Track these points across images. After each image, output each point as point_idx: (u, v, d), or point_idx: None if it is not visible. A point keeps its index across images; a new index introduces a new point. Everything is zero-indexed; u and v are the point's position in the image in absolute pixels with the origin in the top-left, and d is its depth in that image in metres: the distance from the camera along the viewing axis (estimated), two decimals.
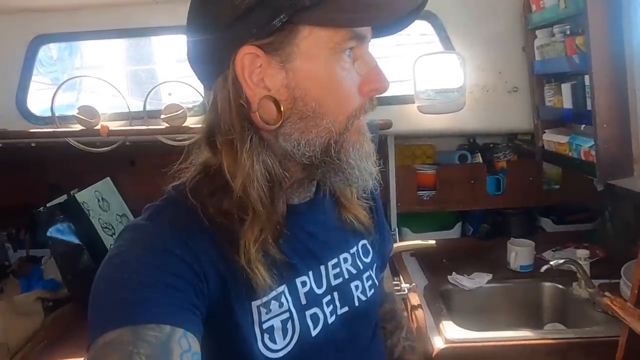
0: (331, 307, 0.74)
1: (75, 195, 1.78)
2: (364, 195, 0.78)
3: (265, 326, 0.66)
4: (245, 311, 0.65)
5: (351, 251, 0.80)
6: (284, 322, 0.68)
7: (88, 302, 0.59)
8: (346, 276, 0.77)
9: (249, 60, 0.61)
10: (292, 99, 0.62)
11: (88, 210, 1.77)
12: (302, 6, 0.57)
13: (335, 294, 0.75)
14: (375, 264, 0.85)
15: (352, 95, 0.63)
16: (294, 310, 0.69)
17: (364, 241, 0.83)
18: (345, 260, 0.78)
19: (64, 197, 1.78)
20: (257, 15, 0.58)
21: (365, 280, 0.80)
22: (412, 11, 0.62)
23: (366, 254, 0.82)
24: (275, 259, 0.66)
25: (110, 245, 1.77)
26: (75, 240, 1.68)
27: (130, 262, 0.59)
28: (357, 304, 0.78)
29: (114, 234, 1.84)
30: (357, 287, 0.78)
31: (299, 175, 0.69)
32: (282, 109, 0.62)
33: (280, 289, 0.68)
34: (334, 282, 0.75)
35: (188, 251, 0.61)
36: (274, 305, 0.67)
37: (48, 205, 1.74)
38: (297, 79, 0.61)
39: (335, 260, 0.76)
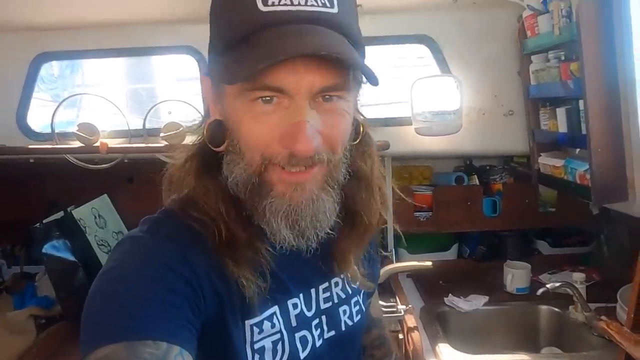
0: (319, 330, 0.74)
1: (72, 211, 1.78)
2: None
3: (256, 346, 0.66)
4: (239, 330, 0.65)
5: (342, 276, 0.79)
6: (274, 343, 0.68)
7: (81, 320, 0.57)
8: (335, 300, 0.77)
9: (206, 86, 0.68)
10: (228, 130, 0.65)
11: (84, 227, 1.77)
12: (215, 52, 0.63)
13: (324, 318, 0.75)
14: (363, 290, 0.84)
15: (264, 142, 0.60)
16: (284, 332, 0.69)
17: (355, 267, 0.83)
18: (336, 284, 0.78)
19: (60, 214, 1.78)
20: (209, 49, 0.66)
21: (353, 305, 0.80)
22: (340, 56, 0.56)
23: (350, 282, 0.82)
24: (268, 279, 0.65)
25: None
26: (71, 257, 1.68)
27: (127, 276, 0.58)
28: (343, 328, 0.78)
29: (110, 251, 1.83)
30: (344, 311, 0.78)
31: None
32: (225, 134, 0.65)
33: (273, 309, 0.68)
34: (323, 306, 0.75)
35: (186, 266, 0.60)
36: (266, 325, 0.67)
37: (44, 221, 1.74)
38: (226, 114, 0.65)
39: (326, 284, 0.76)
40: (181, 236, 0.63)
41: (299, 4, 0.57)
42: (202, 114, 1.94)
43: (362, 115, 0.74)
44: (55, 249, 1.67)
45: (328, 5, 0.59)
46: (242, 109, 0.60)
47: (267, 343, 0.67)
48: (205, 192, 0.65)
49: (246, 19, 0.58)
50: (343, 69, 0.59)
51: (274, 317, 0.68)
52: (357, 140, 0.71)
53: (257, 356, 0.66)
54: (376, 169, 0.75)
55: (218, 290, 0.63)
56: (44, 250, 1.64)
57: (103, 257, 1.78)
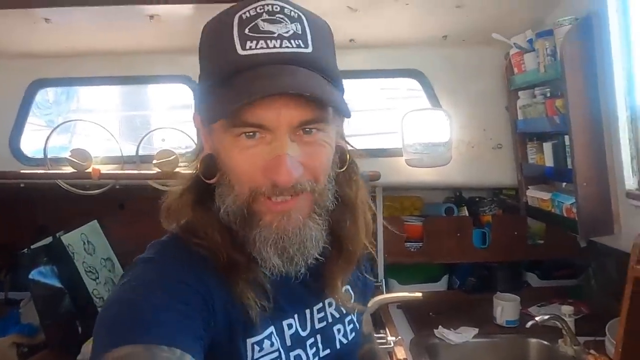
0: (314, 349, 0.76)
1: (61, 237, 1.76)
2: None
3: None
4: (242, 348, 0.67)
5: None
6: None
7: (96, 325, 0.59)
8: (329, 320, 0.80)
9: (197, 122, 0.72)
10: (219, 163, 0.69)
11: (73, 253, 1.76)
12: (203, 91, 0.68)
13: (319, 337, 0.78)
14: (357, 308, 0.86)
15: (250, 174, 0.64)
16: (282, 351, 0.71)
17: (347, 286, 0.84)
18: (330, 304, 0.81)
19: (49, 239, 1.77)
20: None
21: (347, 324, 0.82)
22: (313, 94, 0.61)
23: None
24: (271, 300, 0.68)
25: (93, 289, 1.75)
26: (58, 284, 1.66)
27: (145, 286, 0.61)
28: (338, 347, 0.80)
29: (97, 278, 1.81)
30: (339, 330, 0.81)
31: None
32: (216, 168, 0.69)
33: (270, 329, 0.71)
34: (318, 326, 0.78)
35: (200, 283, 0.63)
36: (266, 343, 0.69)
37: (32, 246, 1.72)
38: (215, 150, 0.69)
39: (320, 305, 0.79)
40: (191, 258, 0.67)
41: (274, 47, 0.62)
42: (196, 142, 1.96)
43: (349, 144, 0.79)
44: (42, 275, 1.65)
45: (302, 45, 0.64)
46: (229, 143, 0.65)
47: None
48: (203, 223, 0.69)
49: (227, 62, 0.63)
50: (320, 103, 0.63)
51: (272, 336, 0.71)
52: (344, 168, 0.75)
53: None
54: (361, 195, 0.78)
55: (228, 309, 0.66)
56: (30, 276, 1.62)
57: (90, 284, 1.75)
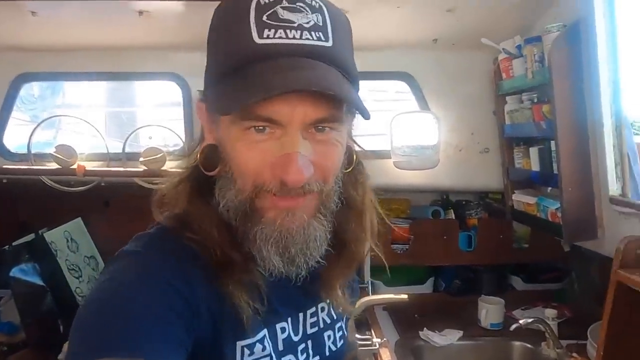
0: (305, 355, 0.74)
1: (44, 234, 1.74)
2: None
3: None
4: (230, 350, 0.64)
5: (327, 301, 0.79)
6: None
7: (73, 328, 0.56)
8: (321, 325, 0.78)
9: (200, 112, 0.69)
10: (221, 155, 0.65)
11: (55, 251, 1.73)
12: (210, 80, 0.64)
13: (310, 342, 0.75)
14: (346, 315, 0.85)
15: (256, 170, 0.61)
16: (274, 355, 0.69)
17: (339, 292, 0.83)
18: (323, 309, 0.78)
19: (31, 236, 1.74)
20: (204, 76, 0.67)
21: (336, 331, 0.80)
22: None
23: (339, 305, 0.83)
24: (260, 302, 0.65)
25: (76, 288, 1.72)
26: (39, 282, 1.63)
27: (125, 289, 0.58)
28: (327, 353, 0.78)
29: (81, 276, 1.78)
30: (329, 337, 0.79)
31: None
32: (218, 159, 0.65)
33: (263, 332, 0.68)
34: (309, 331, 0.75)
35: (184, 283, 0.60)
36: (257, 347, 0.66)
37: (14, 243, 1.69)
38: (220, 141, 0.65)
39: (313, 309, 0.77)
40: (179, 253, 0.63)
41: (294, 37, 0.58)
42: (183, 139, 1.94)
43: (357, 144, 0.76)
44: (24, 272, 1.62)
45: (323, 39, 0.60)
46: (236, 136, 0.61)
47: None
48: (199, 216, 0.65)
49: (241, 49, 0.59)
50: (336, 101, 0.60)
51: (265, 340, 0.68)
52: (350, 169, 0.72)
53: None
54: (367, 198, 0.76)
55: (213, 309, 0.62)
56: (11, 274, 1.59)
57: (73, 282, 1.73)
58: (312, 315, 0.76)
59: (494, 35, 1.69)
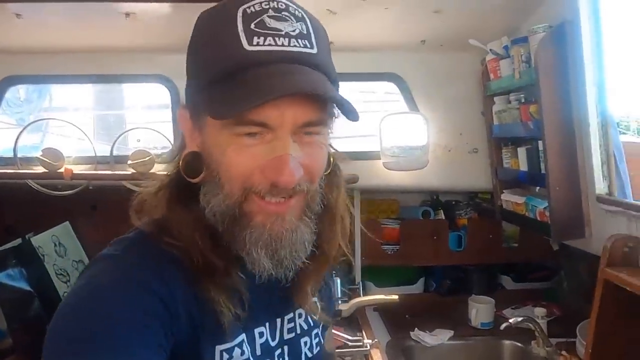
0: None
1: (31, 239, 1.72)
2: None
3: None
4: (209, 354, 0.64)
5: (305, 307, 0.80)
6: None
7: (48, 334, 0.55)
8: (298, 331, 0.78)
9: (182, 119, 0.69)
10: (206, 161, 0.66)
11: (43, 256, 1.71)
12: (199, 86, 0.64)
13: (286, 348, 0.75)
14: (323, 324, 0.85)
15: (245, 173, 0.62)
16: (252, 359, 0.69)
17: (315, 298, 0.82)
18: (300, 315, 0.79)
19: (18, 241, 1.72)
20: (187, 83, 0.68)
21: (313, 337, 0.81)
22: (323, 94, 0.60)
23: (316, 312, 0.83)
24: (241, 306, 0.65)
25: (64, 292, 1.70)
26: (26, 287, 1.61)
27: (103, 293, 0.57)
28: (303, 359, 0.78)
29: (69, 280, 1.77)
30: (305, 343, 0.79)
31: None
32: (201, 166, 0.66)
33: (242, 337, 0.68)
34: (286, 337, 0.76)
35: (164, 286, 0.60)
36: (236, 352, 0.67)
37: (0, 248, 1.67)
38: (205, 146, 0.66)
39: (291, 315, 0.77)
40: (158, 257, 0.63)
41: (282, 45, 0.60)
42: (172, 142, 1.93)
43: (332, 146, 0.76)
44: (10, 277, 1.60)
45: (308, 46, 0.62)
46: (226, 141, 0.62)
47: None
48: (179, 221, 0.65)
49: (232, 56, 0.60)
50: (322, 105, 0.62)
51: (243, 344, 0.68)
52: (328, 171, 0.73)
53: None
54: (341, 200, 0.76)
55: (192, 313, 0.62)
56: None
57: (61, 287, 1.71)
58: (289, 321, 0.77)
59: (482, 36, 1.70)
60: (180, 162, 0.67)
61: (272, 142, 0.61)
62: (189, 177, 0.67)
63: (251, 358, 0.69)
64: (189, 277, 0.63)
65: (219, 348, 0.65)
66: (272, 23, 0.61)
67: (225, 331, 0.64)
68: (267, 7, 0.61)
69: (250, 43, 0.60)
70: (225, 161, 0.62)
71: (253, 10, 0.61)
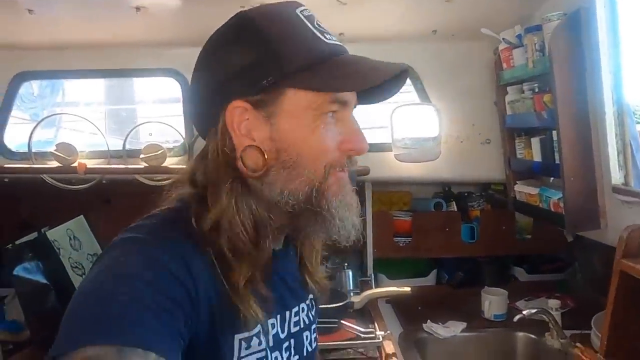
0: (288, 353, 0.76)
1: (46, 233, 1.74)
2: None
3: None
4: (228, 343, 0.66)
5: (306, 302, 0.83)
6: None
7: (67, 312, 0.56)
8: (302, 325, 0.80)
9: (238, 113, 0.67)
10: (275, 150, 0.67)
11: (58, 249, 1.73)
12: (289, 71, 0.65)
13: (292, 341, 0.77)
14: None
15: (330, 151, 0.68)
16: (267, 350, 0.71)
17: (311, 296, 0.85)
18: (303, 309, 0.81)
19: (34, 235, 1.74)
20: (249, 75, 0.66)
21: (312, 332, 0.83)
22: (392, 82, 0.70)
23: (312, 309, 0.85)
24: (261, 297, 0.67)
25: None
26: (43, 280, 1.64)
27: (127, 276, 0.58)
28: (305, 354, 0.80)
29: (84, 273, 1.79)
30: (307, 337, 0.81)
31: (283, 222, 0.71)
32: (266, 157, 0.67)
33: (258, 327, 0.69)
34: (293, 329, 0.78)
35: (187, 273, 0.61)
36: (254, 341, 0.68)
37: (17, 242, 1.69)
38: (280, 133, 0.67)
39: (297, 308, 0.79)
40: (182, 244, 0.63)
41: (336, 40, 0.70)
42: (183, 135, 1.94)
43: None
44: (27, 271, 1.63)
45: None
46: (313, 121, 0.67)
47: None
48: (245, 217, 0.67)
49: (319, 46, 0.67)
50: None
51: (260, 334, 0.69)
52: None
53: None
54: None
55: (212, 303, 0.63)
56: (14, 272, 1.60)
57: (76, 280, 1.73)
58: (295, 314, 0.79)
59: (494, 25, 1.68)
60: (241, 160, 0.67)
61: (344, 119, 0.69)
62: (251, 172, 0.67)
63: (267, 348, 0.70)
64: (211, 266, 0.64)
65: (237, 337, 0.66)
66: (321, 25, 0.70)
67: (245, 322, 0.65)
68: (310, 13, 0.70)
69: (326, 38, 0.68)
70: (311, 141, 0.67)
71: (308, 13, 0.69)
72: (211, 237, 0.65)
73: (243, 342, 0.67)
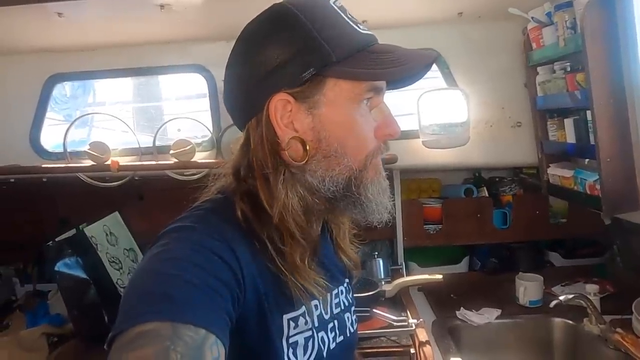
0: (333, 333, 0.79)
1: (84, 229, 1.79)
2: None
3: (291, 340, 0.71)
4: (276, 324, 0.69)
5: (344, 285, 0.86)
6: (306, 339, 0.73)
7: (125, 293, 0.59)
8: (342, 307, 0.83)
9: (281, 105, 0.69)
10: (317, 140, 0.70)
11: (96, 245, 1.79)
12: (329, 62, 0.67)
13: (336, 322, 0.80)
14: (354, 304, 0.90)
15: (369, 138, 0.72)
16: (314, 330, 0.74)
17: (347, 279, 0.88)
18: (342, 292, 0.84)
19: (72, 232, 1.80)
20: (291, 68, 0.68)
21: (352, 314, 0.86)
22: (424, 68, 0.73)
23: (349, 291, 0.88)
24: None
25: (117, 280, 1.78)
26: (83, 275, 1.69)
27: (178, 259, 0.61)
28: (348, 334, 0.83)
29: (121, 268, 1.84)
30: (348, 318, 0.84)
31: (322, 207, 0.75)
32: (307, 148, 0.70)
33: (303, 308, 0.73)
34: (335, 311, 0.81)
35: (234, 258, 0.64)
36: (301, 321, 0.72)
37: (57, 239, 1.76)
38: (322, 123, 0.70)
39: (336, 291, 0.82)
40: (228, 231, 0.67)
41: (368, 30, 0.72)
42: (211, 130, 1.96)
43: None
44: (68, 266, 1.68)
45: None
46: (351, 112, 0.70)
47: (300, 338, 0.72)
48: (296, 203, 0.70)
49: (356, 37, 0.70)
50: None
51: (306, 314, 0.73)
52: None
53: (290, 350, 0.70)
54: None
55: (258, 285, 0.66)
56: (56, 268, 1.66)
57: (114, 274, 1.79)
58: (336, 296, 0.82)
59: (522, 4, 1.62)
60: (286, 150, 0.70)
61: (378, 105, 0.73)
62: (296, 161, 0.70)
63: (313, 327, 0.74)
64: (257, 251, 0.67)
65: (286, 317, 0.70)
66: (352, 15, 0.72)
67: (292, 302, 0.69)
68: (342, 4, 0.72)
69: (360, 28, 0.71)
70: (352, 130, 0.70)
71: (340, 4, 0.72)
72: (259, 224, 0.69)
73: (291, 322, 0.70)
